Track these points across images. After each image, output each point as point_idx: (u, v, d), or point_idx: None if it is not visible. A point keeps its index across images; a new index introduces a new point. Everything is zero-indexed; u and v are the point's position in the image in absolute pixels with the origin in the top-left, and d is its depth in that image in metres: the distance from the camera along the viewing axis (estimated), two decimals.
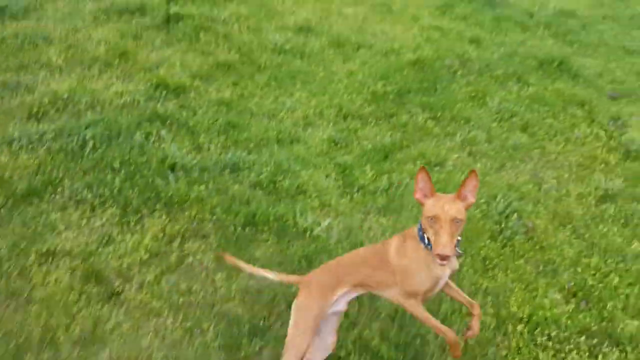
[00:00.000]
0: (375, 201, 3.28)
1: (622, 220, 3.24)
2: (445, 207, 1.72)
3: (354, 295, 2.05)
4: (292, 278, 2.16)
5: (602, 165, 3.79)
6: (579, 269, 2.83)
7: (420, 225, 1.85)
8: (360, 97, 4.41)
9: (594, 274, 2.79)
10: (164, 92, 4.14)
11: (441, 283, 1.91)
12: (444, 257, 1.69)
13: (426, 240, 1.83)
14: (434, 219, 1.73)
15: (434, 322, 1.95)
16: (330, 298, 1.97)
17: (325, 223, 3.02)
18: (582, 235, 3.11)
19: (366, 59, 5.07)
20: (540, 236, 3.07)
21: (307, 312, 1.95)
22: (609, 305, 2.59)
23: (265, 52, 4.99)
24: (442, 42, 5.59)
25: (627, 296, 2.68)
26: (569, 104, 4.54)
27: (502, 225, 3.09)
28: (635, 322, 2.52)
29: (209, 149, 3.58)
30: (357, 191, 3.35)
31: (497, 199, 3.27)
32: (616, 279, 2.75)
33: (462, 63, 5.12)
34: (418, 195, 1.82)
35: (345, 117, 4.14)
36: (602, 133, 4.15)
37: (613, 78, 5.14)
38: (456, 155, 3.78)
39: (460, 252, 1.86)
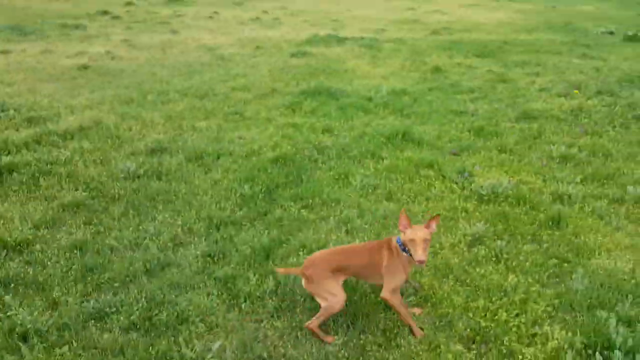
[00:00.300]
0: (266, 306, 3.10)
1: (494, 258, 3.49)
2: (419, 233, 2.68)
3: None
4: (293, 270, 3.05)
5: (464, 213, 4.12)
6: (470, 314, 2.94)
7: (399, 240, 2.79)
8: (230, 203, 4.33)
9: (485, 315, 2.91)
10: (3, 253, 3.62)
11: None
12: (422, 262, 2.64)
13: (403, 248, 2.76)
14: (413, 240, 2.67)
15: (407, 316, 2.84)
16: (336, 280, 2.83)
17: (216, 346, 2.74)
18: (464, 282, 3.26)
19: (228, 166, 5.08)
20: (428, 293, 3.15)
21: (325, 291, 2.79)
22: (505, 340, 2.71)
23: (117, 182, 4.72)
24: (298, 136, 5.87)
25: (517, 327, 2.82)
26: (420, 167, 4.96)
27: None
28: (531, 349, 2.65)
29: (66, 303, 3.11)
30: (245, 301, 3.15)
31: None
32: (504, 314, 2.90)
33: (320, 151, 5.39)
34: (401, 228, 2.76)
35: (217, 227, 3.99)
36: (454, 186, 4.57)
37: (450, 138, 5.80)
38: (335, 237, 3.81)
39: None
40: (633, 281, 3.25)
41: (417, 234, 2.67)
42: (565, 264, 3.45)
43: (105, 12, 17.00)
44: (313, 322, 2.81)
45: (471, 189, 4.47)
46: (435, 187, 4.57)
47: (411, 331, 2.83)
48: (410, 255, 2.72)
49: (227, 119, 6.54)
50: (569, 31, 14.30)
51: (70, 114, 6.60)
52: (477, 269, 3.37)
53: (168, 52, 11.00)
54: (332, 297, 2.77)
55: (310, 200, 4.32)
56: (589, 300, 3.06)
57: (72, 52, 10.56)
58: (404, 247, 2.76)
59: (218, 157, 5.30)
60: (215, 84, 8.19)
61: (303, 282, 2.89)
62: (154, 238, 3.84)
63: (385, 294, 2.81)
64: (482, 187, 4.40)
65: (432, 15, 18.27)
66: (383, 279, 2.84)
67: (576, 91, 7.45)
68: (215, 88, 7.94)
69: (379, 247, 2.88)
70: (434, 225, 2.77)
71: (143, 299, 3.13)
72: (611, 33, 13.56)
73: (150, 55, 10.63)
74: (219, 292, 3.23)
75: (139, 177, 4.83)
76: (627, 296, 3.06)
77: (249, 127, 6.26)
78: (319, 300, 2.83)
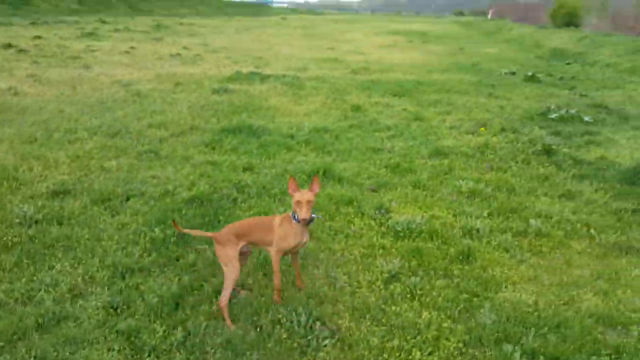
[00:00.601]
0: (172, 359, 2.87)
1: (409, 295, 3.52)
2: (305, 196, 3.09)
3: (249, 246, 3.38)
4: (209, 234, 3.42)
5: (381, 250, 4.14)
6: (386, 356, 2.90)
7: (293, 211, 3.16)
8: (138, 248, 4.05)
9: (399, 355, 2.89)
10: None
11: (299, 245, 3.27)
12: (306, 221, 3.10)
13: (296, 218, 3.14)
14: (299, 202, 3.08)
15: (278, 275, 3.31)
16: (236, 248, 3.24)
17: None
18: (380, 321, 3.24)
19: (138, 208, 4.79)
20: (345, 335, 3.09)
21: (227, 256, 3.21)
22: None
23: (12, 228, 4.28)
24: (217, 175, 5.70)
25: None
26: (340, 204, 4.98)
27: (308, 337, 3.02)
28: None
29: None
30: (149, 355, 2.91)
31: (299, 312, 3.21)
32: (418, 353, 2.90)
33: (239, 190, 5.25)
34: (290, 191, 3.18)
35: (123, 276, 3.70)
36: (372, 223, 4.61)
37: (369, 174, 5.91)
38: (252, 281, 3.66)
39: (319, 216, 3.68)
40: (536, 313, 3.36)
41: (303, 196, 3.09)
42: (475, 299, 3.52)
43: (9, 45, 15.94)
44: (223, 300, 3.17)
45: (388, 225, 4.52)
46: (354, 224, 4.58)
47: (276, 293, 3.34)
48: (299, 221, 3.15)
49: (141, 158, 6.24)
50: (476, 72, 15.43)
51: None
52: (393, 307, 3.37)
53: (78, 88, 10.43)
54: (231, 261, 3.20)
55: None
56: (496, 334, 3.12)
57: None
58: (295, 216, 3.17)
59: (127, 199, 5.00)
60: (130, 122, 7.83)
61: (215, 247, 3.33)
62: (49, 289, 3.49)
63: (273, 251, 3.27)
64: (397, 223, 4.47)
65: (352, 56, 19.01)
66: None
67: (482, 129, 7.95)
68: (129, 126, 7.59)
69: (276, 218, 3.33)
70: (316, 187, 3.19)
71: (32, 359, 2.81)
72: (513, 73, 14.73)
73: (59, 91, 10.01)
74: (121, 347, 2.97)
75: (37, 222, 4.42)
76: (530, 328, 3.17)
77: (164, 166, 6.00)
78: (222, 266, 3.24)
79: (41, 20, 27.63)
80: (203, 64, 14.99)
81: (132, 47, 17.64)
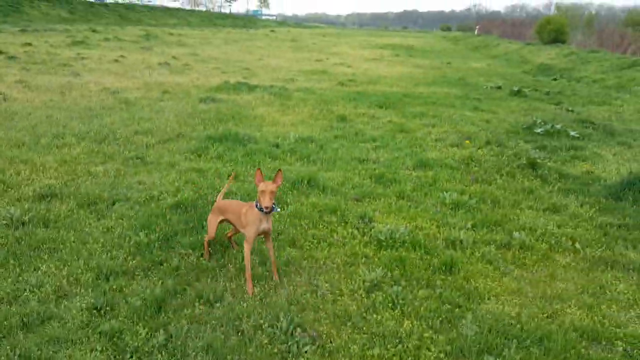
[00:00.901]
0: None
1: (390, 304, 3.52)
2: (268, 187, 3.42)
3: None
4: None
5: (364, 259, 4.18)
6: None
7: (257, 201, 3.52)
8: (122, 252, 4.08)
9: None
10: None
11: (263, 231, 3.63)
12: (267, 209, 3.44)
13: (259, 207, 3.50)
14: (262, 192, 3.42)
15: (248, 265, 3.65)
16: (216, 219, 3.98)
17: None
18: (361, 329, 3.25)
19: (123, 212, 4.81)
20: (326, 342, 3.11)
21: (209, 220, 4.04)
22: None
23: None
24: (202, 181, 5.74)
25: None
26: (324, 213, 5.03)
27: (289, 343, 3.04)
28: None
29: None
30: (131, 357, 2.92)
31: (280, 319, 3.24)
32: None
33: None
34: (256, 181, 3.49)
35: (107, 278, 3.72)
36: (355, 232, 4.66)
37: (353, 184, 5.97)
38: (234, 285, 3.70)
39: (277, 209, 3.66)
40: (518, 325, 3.32)
41: (267, 187, 3.41)
42: (457, 309, 3.51)
43: None
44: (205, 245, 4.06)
45: (371, 235, 4.57)
46: (337, 233, 4.64)
47: (248, 283, 3.64)
48: (262, 210, 3.47)
49: (127, 164, 6.26)
50: (463, 85, 15.67)
51: None
52: (374, 315, 3.38)
53: (67, 95, 10.44)
54: (209, 224, 3.99)
55: (210, 248, 4.19)
56: (478, 346, 3.10)
57: None
58: (258, 205, 3.51)
59: (113, 203, 5.02)
60: (117, 128, 7.85)
61: None
62: (35, 290, 3.51)
63: (245, 241, 3.64)
64: (380, 232, 4.51)
65: (339, 68, 19.24)
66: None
67: (468, 141, 8.09)
68: (116, 132, 7.61)
69: (246, 205, 3.73)
70: (279, 180, 3.51)
71: (16, 357, 2.83)
72: (499, 88, 14.94)
73: (48, 97, 10.02)
74: (104, 348, 2.98)
75: (23, 224, 4.44)
76: (512, 340, 3.15)
77: (150, 172, 6.03)
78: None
79: (31, 27, 27.58)
80: (191, 73, 15.06)
81: (122, 56, 17.68)
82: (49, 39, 22.33)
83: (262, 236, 3.78)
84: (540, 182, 6.36)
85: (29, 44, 19.19)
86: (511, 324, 3.37)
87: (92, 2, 52.80)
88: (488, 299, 3.70)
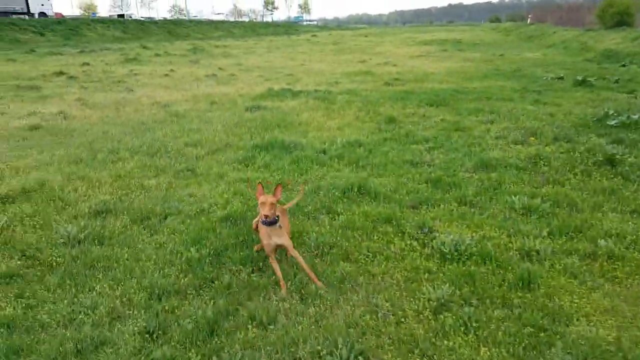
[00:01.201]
0: None
1: (463, 328, 3.14)
2: (268, 199, 3.51)
3: None
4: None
5: (426, 274, 3.81)
6: None
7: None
8: (174, 269, 3.97)
9: None
10: None
11: (277, 245, 3.69)
12: (267, 218, 3.50)
13: (262, 221, 3.58)
14: (262, 203, 3.50)
15: (276, 269, 3.73)
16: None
17: None
18: (431, 358, 2.91)
19: (175, 227, 4.73)
20: None
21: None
22: None
23: (56, 248, 4.32)
24: (251, 192, 5.60)
25: None
26: (378, 222, 4.70)
27: None
28: None
29: None
30: None
31: (339, 345, 2.96)
32: None
33: None
34: (257, 195, 3.61)
35: (159, 298, 3.62)
36: (415, 243, 4.29)
37: (407, 190, 5.57)
38: (288, 306, 3.48)
39: (279, 226, 3.66)
40: (620, 354, 2.86)
41: (266, 199, 3.52)
42: (542, 333, 3.08)
43: (61, 73, 16.84)
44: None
45: (432, 246, 4.18)
46: (394, 245, 4.30)
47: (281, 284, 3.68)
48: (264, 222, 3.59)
49: (178, 176, 6.24)
50: (519, 77, 14.85)
51: (15, 175, 6.24)
52: (445, 341, 3.02)
53: (122, 110, 10.75)
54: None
55: (262, 263, 4.01)
56: None
57: (24, 113, 10.33)
58: (262, 220, 3.59)
59: (165, 218, 4.96)
60: (168, 141, 7.92)
61: None
62: (89, 312, 3.45)
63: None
64: (444, 244, 4.11)
65: (383, 67, 18.81)
66: None
67: (533, 138, 7.53)
68: (167, 145, 7.66)
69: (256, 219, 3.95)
70: (278, 192, 3.59)
71: None
72: (560, 78, 13.99)
73: (104, 114, 10.36)
74: None
75: (79, 242, 4.44)
76: None
77: (200, 184, 5.97)
78: None
79: (89, 48, 29.13)
80: (237, 83, 15.17)
81: (171, 70, 18.16)
82: (104, 58, 23.34)
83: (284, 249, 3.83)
84: (622, 180, 5.67)
85: (87, 64, 20.12)
86: (610, 350, 2.89)
87: (142, 21, 55.15)
88: (577, 320, 3.23)
